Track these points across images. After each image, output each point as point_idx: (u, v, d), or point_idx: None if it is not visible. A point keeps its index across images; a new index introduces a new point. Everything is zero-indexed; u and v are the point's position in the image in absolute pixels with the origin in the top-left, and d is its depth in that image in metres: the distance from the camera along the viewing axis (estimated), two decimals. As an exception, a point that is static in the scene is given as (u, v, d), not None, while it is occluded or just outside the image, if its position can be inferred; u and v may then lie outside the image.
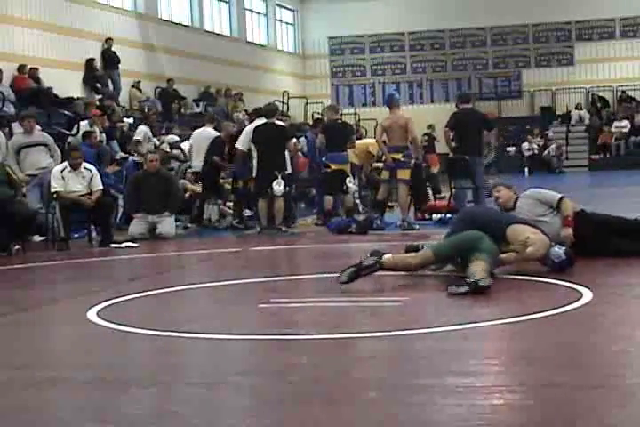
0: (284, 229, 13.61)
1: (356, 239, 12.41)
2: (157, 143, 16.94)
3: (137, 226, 13.54)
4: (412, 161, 13.78)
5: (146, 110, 22.06)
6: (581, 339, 5.61)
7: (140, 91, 25.40)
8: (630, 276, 8.34)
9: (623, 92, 35.81)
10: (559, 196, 9.05)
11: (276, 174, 13.44)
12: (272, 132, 13.65)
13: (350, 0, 36.81)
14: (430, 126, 26.35)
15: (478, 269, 7.33)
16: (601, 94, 36.14)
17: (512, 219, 8.41)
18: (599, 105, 35.94)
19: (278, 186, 13.36)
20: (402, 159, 13.48)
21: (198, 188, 15.43)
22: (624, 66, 35.92)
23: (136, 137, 16.10)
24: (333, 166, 14.43)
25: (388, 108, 14.11)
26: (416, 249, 8.58)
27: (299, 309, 7.04)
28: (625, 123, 33.41)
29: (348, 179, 14.54)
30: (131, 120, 21.60)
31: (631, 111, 34.17)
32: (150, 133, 16.23)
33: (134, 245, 12.41)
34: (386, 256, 7.88)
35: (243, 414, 4.28)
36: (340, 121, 14.87)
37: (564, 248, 8.08)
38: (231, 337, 5.98)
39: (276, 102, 19.72)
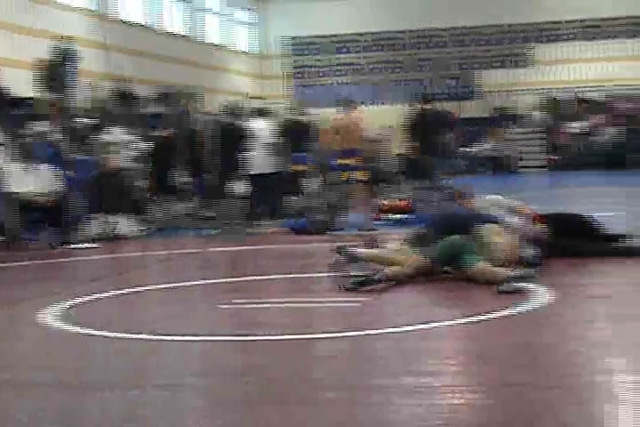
0: (245, 229, 13.67)
1: (315, 239, 12.43)
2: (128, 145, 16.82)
3: (96, 226, 13.49)
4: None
5: (116, 111, 21.89)
6: (538, 339, 5.68)
7: (97, 91, 25.27)
8: (585, 276, 8.43)
9: (579, 93, 36.11)
10: (516, 202, 9.29)
11: (236, 175, 13.49)
12: (229, 133, 13.74)
13: (309, 0, 36.83)
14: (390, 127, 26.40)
15: (498, 270, 7.49)
16: (557, 96, 36.42)
17: (482, 218, 8.49)
18: (555, 106, 36.21)
19: (238, 186, 13.44)
20: (356, 164, 13.56)
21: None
22: (580, 68, 36.23)
23: (110, 139, 15.89)
24: (295, 167, 14.48)
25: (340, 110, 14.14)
26: (344, 249, 8.59)
27: (259, 309, 7.06)
28: (581, 124, 33.68)
29: (305, 179, 14.60)
30: (88, 120, 21.44)
31: (587, 113, 34.47)
32: (122, 135, 16.09)
33: (94, 245, 12.37)
34: (387, 270, 7.92)
35: (199, 416, 4.30)
36: (302, 122, 14.89)
37: (533, 252, 8.17)
38: (191, 338, 5.99)
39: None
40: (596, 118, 34.16)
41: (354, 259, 8.29)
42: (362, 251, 8.43)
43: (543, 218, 9.21)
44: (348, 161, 13.56)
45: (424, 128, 14.15)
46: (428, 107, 14.77)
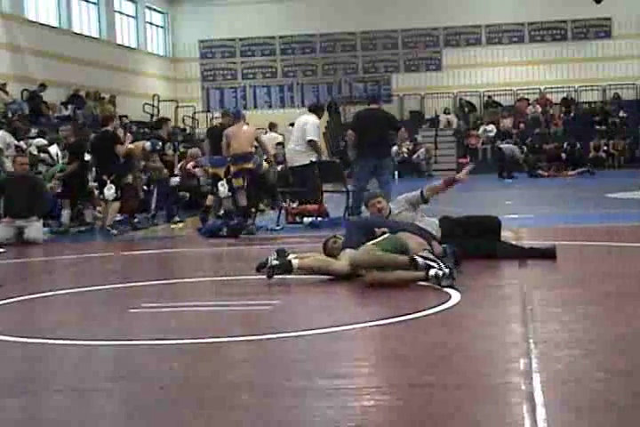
0: (112, 231, 13.99)
1: (227, 243, 12.39)
2: (23, 147, 16.56)
3: (3, 231, 13.26)
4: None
5: (9, 115, 21.59)
6: (450, 340, 5.72)
7: (7, 93, 24.87)
8: (496, 277, 8.54)
9: (489, 97, 36.62)
10: (419, 190, 9.36)
11: (105, 179, 14.17)
12: (103, 139, 14.38)
13: (221, 3, 36.74)
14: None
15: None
16: (468, 99, 36.89)
17: (399, 226, 8.50)
18: (466, 109, 36.68)
19: (108, 191, 14.09)
20: (252, 166, 13.68)
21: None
22: (490, 71, 36.74)
23: (17, 142, 15.65)
24: (210, 170, 14.49)
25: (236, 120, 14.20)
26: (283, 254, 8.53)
27: (170, 313, 7.00)
28: (491, 127, 34.14)
29: (220, 182, 14.54)
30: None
31: (497, 116, 34.97)
32: (11, 138, 15.81)
33: (0, 250, 12.16)
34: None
35: (113, 421, 4.24)
36: (220, 125, 14.82)
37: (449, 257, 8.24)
38: (102, 343, 5.91)
39: (146, 106, 19.62)
40: (506, 122, 34.63)
41: (289, 270, 8.16)
42: (296, 262, 8.24)
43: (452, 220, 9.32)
44: (243, 166, 13.60)
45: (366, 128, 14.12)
46: (375, 107, 14.76)
